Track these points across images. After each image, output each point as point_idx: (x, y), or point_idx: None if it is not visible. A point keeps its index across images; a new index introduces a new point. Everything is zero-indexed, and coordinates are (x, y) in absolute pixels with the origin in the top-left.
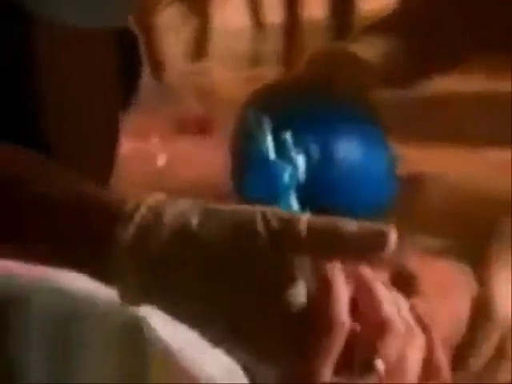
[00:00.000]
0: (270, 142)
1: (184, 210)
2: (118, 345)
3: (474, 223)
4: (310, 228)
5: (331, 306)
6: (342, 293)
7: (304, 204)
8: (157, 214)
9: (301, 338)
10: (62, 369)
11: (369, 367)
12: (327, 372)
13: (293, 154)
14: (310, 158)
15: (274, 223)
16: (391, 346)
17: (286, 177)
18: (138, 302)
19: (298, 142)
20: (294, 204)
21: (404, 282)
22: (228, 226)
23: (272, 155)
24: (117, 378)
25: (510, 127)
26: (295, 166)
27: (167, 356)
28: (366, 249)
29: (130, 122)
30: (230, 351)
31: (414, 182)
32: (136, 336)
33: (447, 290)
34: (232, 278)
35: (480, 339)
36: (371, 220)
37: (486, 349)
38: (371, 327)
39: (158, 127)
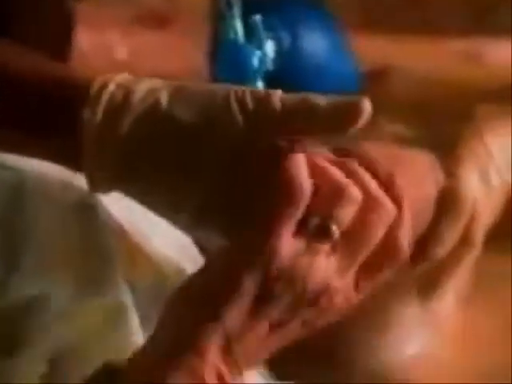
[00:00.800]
0: (239, 25)
1: (153, 87)
2: (71, 222)
3: (442, 114)
4: (284, 103)
5: (294, 174)
6: (303, 163)
7: None
8: (126, 91)
9: (266, 209)
10: (16, 241)
11: (323, 232)
12: (287, 238)
13: (262, 38)
14: (280, 46)
15: (248, 101)
16: (345, 212)
17: (255, 61)
18: (107, 190)
19: (268, 29)
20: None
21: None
22: (200, 103)
23: (241, 38)
24: (71, 254)
25: (479, 17)
26: (264, 51)
27: (122, 234)
28: (340, 121)
29: (86, 15)
30: (198, 237)
31: (381, 75)
32: (89, 214)
33: (412, 179)
34: (203, 160)
35: (445, 228)
36: None
37: (451, 237)
38: (326, 193)
39: (116, 20)
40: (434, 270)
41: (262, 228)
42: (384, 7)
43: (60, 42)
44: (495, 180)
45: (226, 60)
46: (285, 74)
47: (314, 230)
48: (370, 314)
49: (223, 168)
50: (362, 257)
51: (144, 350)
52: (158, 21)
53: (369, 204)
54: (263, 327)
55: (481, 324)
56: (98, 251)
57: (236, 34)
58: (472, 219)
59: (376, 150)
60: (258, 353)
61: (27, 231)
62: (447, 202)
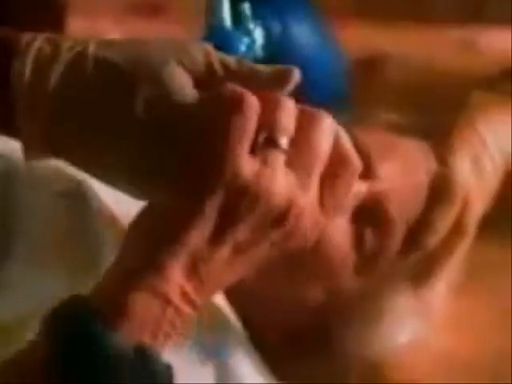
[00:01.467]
0: (227, 11)
1: (82, 39)
2: (62, 209)
3: (436, 101)
4: (224, 66)
5: (240, 92)
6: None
7: None
8: (54, 43)
9: (219, 136)
10: (7, 229)
11: (272, 143)
12: (245, 155)
13: (251, 25)
14: (269, 34)
15: (186, 62)
16: (286, 120)
17: (243, 47)
18: (42, 155)
19: (257, 18)
20: None
21: (362, 165)
22: (134, 50)
23: (229, 25)
24: (63, 241)
25: (473, 5)
26: (253, 38)
27: (112, 220)
28: (278, 82)
29: (79, 2)
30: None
31: (375, 63)
32: (79, 201)
33: (404, 166)
34: (137, 114)
35: (437, 216)
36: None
37: (443, 225)
38: (265, 110)
39: (110, 8)
40: (427, 258)
41: (219, 152)
42: None
43: (51, 29)
44: (488, 168)
45: (212, 45)
46: (275, 62)
47: (265, 145)
48: (364, 303)
49: (153, 120)
50: (317, 169)
51: (106, 278)
52: (152, 9)
53: (306, 116)
54: (229, 248)
55: (475, 312)
56: (89, 238)
57: (224, 20)
58: (465, 208)
59: (368, 137)
60: (224, 275)
61: (18, 219)
62: (439, 190)
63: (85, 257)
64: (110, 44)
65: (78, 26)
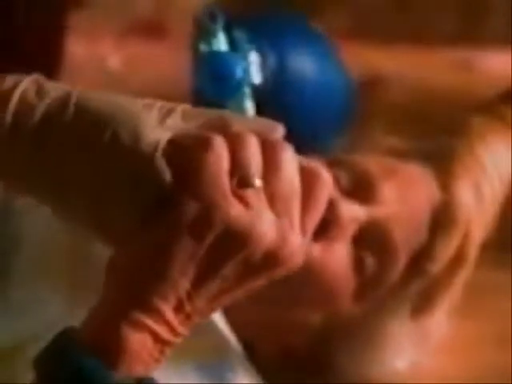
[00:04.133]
0: (221, 35)
1: (64, 87)
2: (62, 232)
3: (436, 125)
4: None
5: (209, 137)
6: None
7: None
8: (38, 88)
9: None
10: (5, 249)
11: (246, 183)
12: (231, 197)
13: (246, 49)
14: (265, 61)
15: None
16: (248, 156)
17: (239, 70)
18: (19, 191)
19: (255, 49)
20: (249, 104)
21: (364, 190)
22: (111, 101)
23: (224, 47)
24: (63, 262)
25: (472, 27)
26: (248, 61)
27: None
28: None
29: (79, 25)
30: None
31: (374, 85)
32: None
33: (407, 196)
34: (107, 156)
35: (439, 244)
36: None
37: (445, 253)
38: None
39: (110, 30)
40: (428, 286)
41: (205, 196)
42: (376, 18)
43: (53, 51)
44: (488, 194)
45: (208, 70)
46: (276, 92)
47: (240, 187)
48: (363, 327)
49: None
50: (296, 199)
51: (96, 312)
52: (152, 31)
53: (269, 148)
54: (215, 287)
55: (471, 334)
56: (90, 262)
57: (220, 46)
58: (466, 235)
59: (369, 162)
60: (210, 308)
61: (17, 241)
62: (442, 218)
63: (85, 281)
64: (91, 93)
65: (78, 48)
